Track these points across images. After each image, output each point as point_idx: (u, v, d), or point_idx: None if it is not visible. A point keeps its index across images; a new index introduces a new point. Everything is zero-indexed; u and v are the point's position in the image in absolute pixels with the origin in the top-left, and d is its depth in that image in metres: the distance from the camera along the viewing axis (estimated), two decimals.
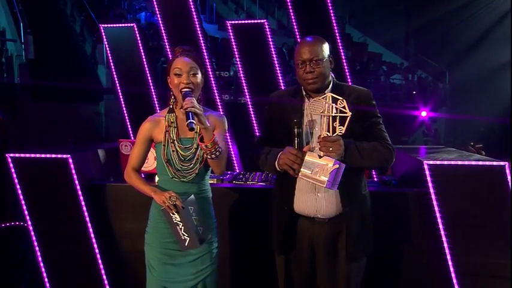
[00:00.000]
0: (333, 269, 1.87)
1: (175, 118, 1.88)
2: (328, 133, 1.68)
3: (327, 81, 1.84)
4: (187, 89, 1.77)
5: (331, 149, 1.66)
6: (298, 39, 3.63)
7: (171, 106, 1.91)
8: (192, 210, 1.80)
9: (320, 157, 1.66)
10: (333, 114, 1.67)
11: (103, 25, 4.13)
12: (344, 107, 1.67)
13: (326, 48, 1.83)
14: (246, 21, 3.83)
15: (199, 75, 1.83)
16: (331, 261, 1.87)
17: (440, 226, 2.28)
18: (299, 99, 1.89)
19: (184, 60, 1.81)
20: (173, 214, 1.75)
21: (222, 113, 2.00)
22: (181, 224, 1.76)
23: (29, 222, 2.62)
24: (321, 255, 1.88)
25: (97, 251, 2.60)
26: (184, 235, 1.76)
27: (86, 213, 2.57)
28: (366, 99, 1.86)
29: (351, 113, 1.66)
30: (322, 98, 1.70)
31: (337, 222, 1.85)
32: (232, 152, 3.92)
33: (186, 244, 1.77)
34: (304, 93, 1.89)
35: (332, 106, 1.68)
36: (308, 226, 1.87)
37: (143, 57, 4.09)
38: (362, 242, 1.87)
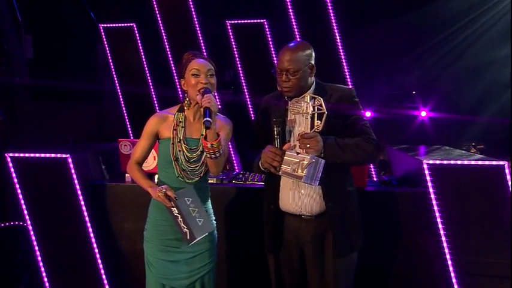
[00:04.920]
0: (322, 266, 1.89)
1: (184, 118, 1.89)
2: (306, 131, 1.74)
3: (304, 88, 1.86)
4: (206, 88, 1.79)
5: (308, 145, 1.70)
6: (298, 39, 3.63)
7: (184, 107, 1.91)
8: (190, 201, 1.78)
9: (298, 154, 1.71)
10: (311, 112, 1.74)
11: (103, 25, 4.13)
12: (321, 105, 1.72)
13: (307, 56, 1.84)
14: (246, 21, 3.83)
15: (215, 77, 1.86)
16: (319, 258, 1.89)
17: (440, 226, 2.28)
18: (283, 101, 1.93)
19: (201, 61, 1.84)
20: (172, 207, 1.75)
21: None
22: (179, 216, 1.75)
23: (29, 222, 2.62)
24: (309, 252, 1.90)
25: (96, 250, 2.60)
26: (184, 227, 1.75)
27: (85, 213, 2.57)
28: (348, 97, 1.89)
29: (326, 110, 1.71)
30: (301, 98, 1.79)
31: (323, 219, 1.86)
32: (232, 152, 3.92)
33: (188, 237, 1.76)
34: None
35: (309, 105, 1.74)
36: (295, 224, 1.89)
37: (143, 57, 4.09)
38: (349, 238, 1.88)
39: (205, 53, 3.86)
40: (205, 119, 1.67)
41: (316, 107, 1.73)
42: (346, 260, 1.88)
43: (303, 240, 1.89)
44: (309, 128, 1.74)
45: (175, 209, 1.76)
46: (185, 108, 1.91)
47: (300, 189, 1.85)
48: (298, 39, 1.95)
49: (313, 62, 1.87)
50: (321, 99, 1.73)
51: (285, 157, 1.73)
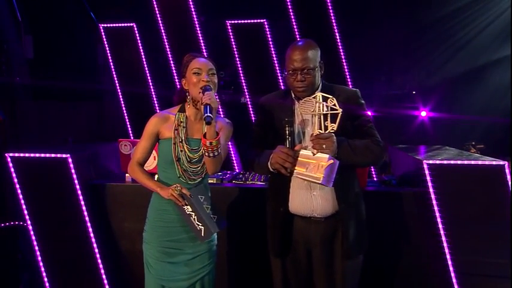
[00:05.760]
0: (330, 268, 1.87)
1: (185, 118, 1.88)
2: (320, 131, 1.70)
3: (315, 87, 1.85)
4: (207, 85, 1.79)
5: (324, 146, 1.67)
6: (298, 39, 3.63)
7: (185, 106, 1.91)
8: (203, 199, 1.82)
9: (313, 154, 1.68)
10: (324, 112, 1.70)
11: (103, 25, 4.13)
12: (334, 105, 1.69)
13: (317, 54, 1.83)
14: (246, 21, 3.83)
15: (216, 76, 1.86)
16: (327, 260, 1.87)
17: (440, 226, 2.28)
18: (289, 100, 1.90)
19: (203, 60, 1.85)
20: (185, 206, 1.77)
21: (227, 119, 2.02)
22: (193, 214, 1.78)
23: (29, 222, 2.62)
24: (317, 254, 1.87)
25: (96, 250, 2.60)
26: (198, 225, 1.78)
27: (85, 213, 2.57)
28: (354, 99, 1.88)
29: (341, 110, 1.68)
30: (313, 97, 1.73)
31: (333, 221, 1.85)
32: (232, 152, 3.92)
33: (203, 234, 1.78)
34: (293, 95, 1.90)
35: (323, 105, 1.70)
36: (304, 226, 1.86)
37: (143, 57, 4.09)
38: (357, 240, 1.87)
39: (205, 53, 3.86)
40: (206, 114, 1.66)
41: (330, 107, 1.69)
42: (354, 262, 1.88)
43: (311, 242, 1.87)
44: (323, 128, 1.70)
45: (188, 207, 1.78)
46: (186, 107, 1.90)
47: (312, 191, 1.82)
48: (303, 38, 1.91)
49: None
50: (334, 99, 1.69)
51: (299, 158, 1.69)
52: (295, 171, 1.70)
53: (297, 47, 1.82)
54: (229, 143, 3.72)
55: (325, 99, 1.71)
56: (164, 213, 1.88)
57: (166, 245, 1.88)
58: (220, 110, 3.93)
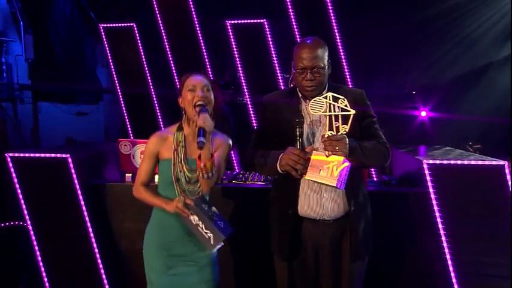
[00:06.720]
0: (337, 269, 1.85)
1: (183, 137, 1.87)
2: (332, 132, 1.65)
3: (323, 86, 1.82)
4: (201, 104, 1.77)
5: (337, 148, 1.62)
6: (298, 39, 3.63)
7: (182, 125, 1.90)
8: (207, 207, 1.82)
9: (327, 156, 1.63)
10: (336, 113, 1.65)
11: (103, 25, 4.14)
12: (346, 106, 1.65)
13: (326, 53, 1.79)
14: (246, 21, 3.83)
15: (211, 92, 1.85)
16: (335, 261, 1.85)
17: (440, 226, 2.28)
18: (295, 100, 1.86)
19: (197, 78, 1.85)
20: (191, 216, 1.77)
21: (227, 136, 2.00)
22: (200, 223, 1.77)
23: (29, 222, 2.62)
24: (325, 256, 1.85)
25: (96, 250, 2.60)
26: (207, 233, 1.77)
27: (85, 213, 2.57)
28: (361, 100, 1.85)
29: (354, 111, 1.64)
30: (323, 97, 1.68)
31: (341, 223, 1.82)
32: (231, 152, 3.92)
33: (212, 242, 1.77)
34: (300, 95, 1.86)
35: (334, 105, 1.66)
36: (312, 228, 1.83)
37: (143, 57, 4.10)
38: (365, 241, 1.85)
39: (205, 53, 3.86)
40: (198, 139, 1.64)
41: (341, 108, 1.64)
42: (361, 263, 1.86)
43: (320, 244, 1.84)
44: (334, 129, 1.65)
45: (195, 217, 1.78)
46: (184, 126, 1.89)
47: (323, 193, 1.79)
48: (310, 36, 1.87)
49: None
50: (345, 99, 1.65)
51: (311, 160, 1.64)
52: (307, 173, 1.65)
53: (306, 45, 1.77)
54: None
55: (335, 99, 1.66)
56: (165, 230, 1.88)
57: (168, 260, 1.87)
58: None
